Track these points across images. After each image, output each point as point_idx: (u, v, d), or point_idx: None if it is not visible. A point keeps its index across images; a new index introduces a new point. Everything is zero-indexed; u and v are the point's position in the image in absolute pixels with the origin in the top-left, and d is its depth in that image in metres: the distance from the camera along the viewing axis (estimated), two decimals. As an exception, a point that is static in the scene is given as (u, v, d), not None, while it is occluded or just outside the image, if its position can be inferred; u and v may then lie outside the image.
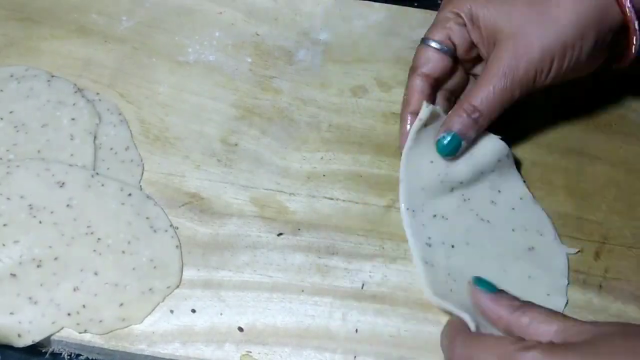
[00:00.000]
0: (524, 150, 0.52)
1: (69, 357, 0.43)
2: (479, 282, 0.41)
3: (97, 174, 0.47)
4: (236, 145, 0.50)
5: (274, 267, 0.45)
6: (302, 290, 0.45)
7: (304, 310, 0.44)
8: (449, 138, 0.46)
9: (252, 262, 0.46)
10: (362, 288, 0.45)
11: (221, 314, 0.44)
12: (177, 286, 0.44)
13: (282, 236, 0.47)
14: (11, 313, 0.42)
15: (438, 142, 0.46)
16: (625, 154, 0.52)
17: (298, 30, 0.56)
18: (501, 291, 0.40)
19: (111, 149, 0.48)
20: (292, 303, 0.44)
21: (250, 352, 0.43)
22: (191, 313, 0.44)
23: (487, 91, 0.45)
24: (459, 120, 0.46)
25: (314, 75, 0.54)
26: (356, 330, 0.44)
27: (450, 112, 0.47)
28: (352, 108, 0.53)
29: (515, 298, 0.40)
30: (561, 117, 0.54)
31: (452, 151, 0.46)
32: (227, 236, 0.46)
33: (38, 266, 0.43)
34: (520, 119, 0.52)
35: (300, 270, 0.45)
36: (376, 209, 0.48)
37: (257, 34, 0.56)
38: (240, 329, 0.43)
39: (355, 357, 0.43)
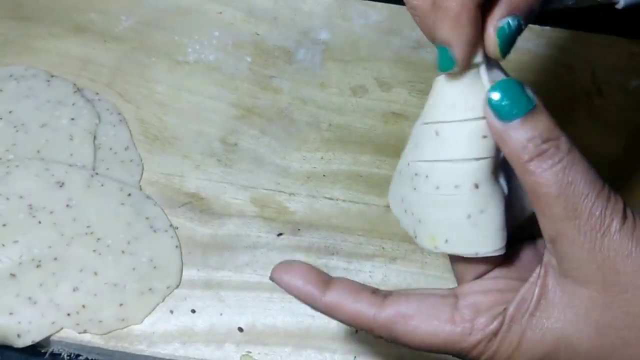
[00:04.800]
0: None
1: (68, 357, 0.43)
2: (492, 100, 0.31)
3: (97, 174, 0.47)
4: (236, 145, 0.50)
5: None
6: (302, 291, 0.45)
7: (304, 310, 0.44)
8: (516, 22, 0.31)
9: (252, 262, 0.45)
10: (362, 288, 0.45)
11: (221, 314, 0.44)
12: (177, 286, 0.44)
13: (282, 236, 0.47)
14: (11, 313, 0.42)
15: (500, 30, 0.31)
16: (624, 153, 0.53)
17: (298, 29, 0.56)
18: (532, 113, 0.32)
19: (111, 149, 0.48)
20: (292, 303, 0.44)
21: (250, 352, 0.43)
22: (191, 313, 0.44)
23: None
24: None
25: (314, 74, 0.54)
26: (356, 331, 0.44)
27: None
28: (352, 108, 0.53)
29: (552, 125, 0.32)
30: (560, 117, 0.54)
31: (512, 44, 0.32)
32: (227, 236, 0.46)
33: (37, 266, 0.43)
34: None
35: (300, 271, 0.45)
36: (376, 209, 0.48)
37: (257, 34, 0.56)
38: (240, 329, 0.43)
39: (355, 357, 0.43)
